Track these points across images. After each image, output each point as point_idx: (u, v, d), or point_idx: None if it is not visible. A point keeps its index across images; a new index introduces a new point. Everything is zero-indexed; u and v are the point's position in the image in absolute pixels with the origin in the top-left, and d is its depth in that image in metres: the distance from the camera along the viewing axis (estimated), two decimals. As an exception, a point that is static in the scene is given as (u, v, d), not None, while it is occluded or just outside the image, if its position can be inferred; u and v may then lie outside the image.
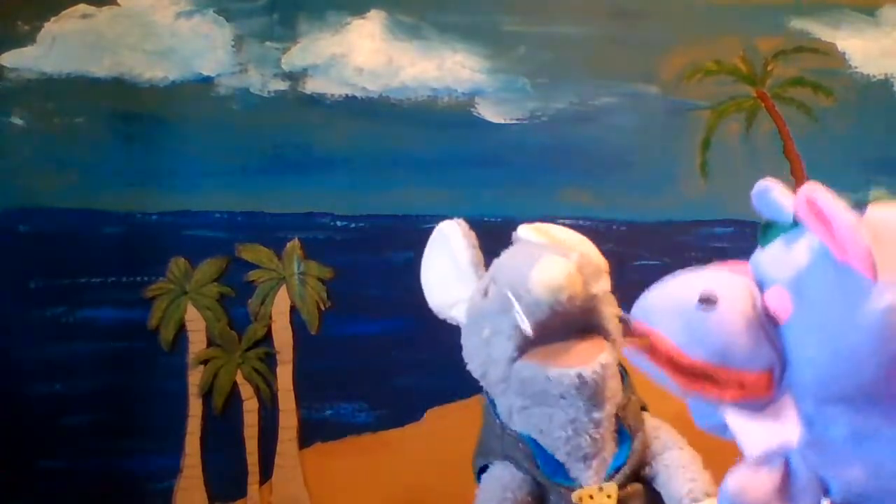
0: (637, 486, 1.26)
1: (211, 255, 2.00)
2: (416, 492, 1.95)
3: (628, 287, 1.86)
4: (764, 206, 0.88)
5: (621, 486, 1.24)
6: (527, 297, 1.18)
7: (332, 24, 2.03)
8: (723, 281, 0.89)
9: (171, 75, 2.02)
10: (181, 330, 1.99)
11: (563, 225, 1.95)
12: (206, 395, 1.99)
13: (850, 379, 0.82)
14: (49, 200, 1.99)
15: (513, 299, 1.20)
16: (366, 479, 1.98)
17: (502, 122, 2.02)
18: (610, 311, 1.25)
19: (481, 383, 1.33)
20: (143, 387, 1.99)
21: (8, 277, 1.98)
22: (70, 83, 2.00)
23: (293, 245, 2.00)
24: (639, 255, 1.96)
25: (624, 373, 1.29)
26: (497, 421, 1.30)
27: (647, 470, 1.29)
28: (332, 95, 2.03)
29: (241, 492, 1.99)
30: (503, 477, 1.28)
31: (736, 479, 0.90)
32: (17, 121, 2.00)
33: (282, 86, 2.03)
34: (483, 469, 1.32)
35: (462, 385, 1.96)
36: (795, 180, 2.00)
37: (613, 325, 1.24)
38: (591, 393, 1.22)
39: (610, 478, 1.24)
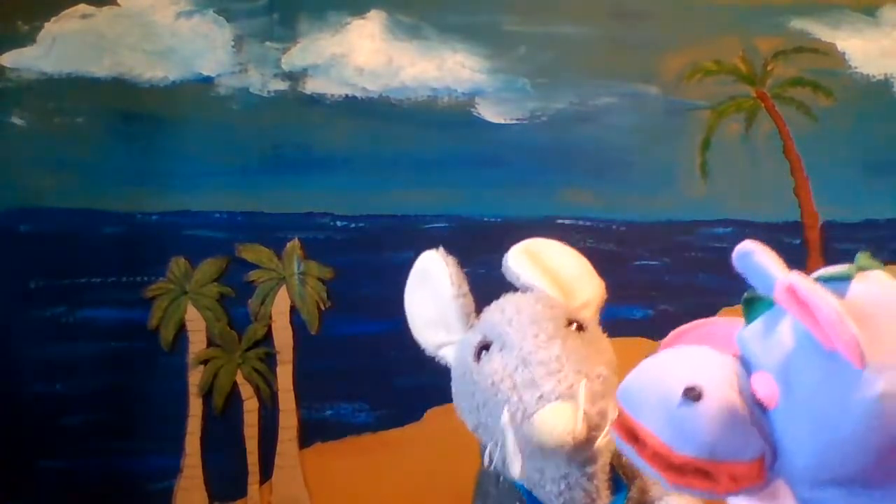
0: None
1: (211, 255, 2.00)
2: (416, 492, 1.95)
3: (628, 287, 1.87)
4: (745, 269, 0.85)
5: None
6: (527, 434, 1.14)
7: (332, 24, 2.03)
8: (707, 369, 0.86)
9: (171, 75, 2.02)
10: (181, 330, 1.99)
11: (563, 225, 1.97)
12: (206, 395, 1.99)
13: (842, 466, 0.81)
14: (49, 200, 2.00)
15: (507, 433, 1.15)
16: (366, 479, 1.98)
17: (502, 122, 2.02)
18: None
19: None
20: (143, 387, 1.99)
21: (8, 277, 1.98)
22: (70, 83, 2.00)
23: (293, 245, 2.01)
24: (639, 255, 1.96)
25: None
26: (493, 469, 1.26)
27: None
28: (332, 95, 2.03)
29: (241, 492, 1.99)
30: (490, 477, 1.27)
31: None
32: (17, 121, 2.00)
33: (282, 86, 2.03)
34: None
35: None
36: (795, 180, 2.00)
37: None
38: (583, 448, 1.18)
39: None
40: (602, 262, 1.30)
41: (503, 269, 1.30)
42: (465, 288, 1.29)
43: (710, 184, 1.99)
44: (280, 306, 2.00)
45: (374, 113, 2.02)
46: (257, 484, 1.99)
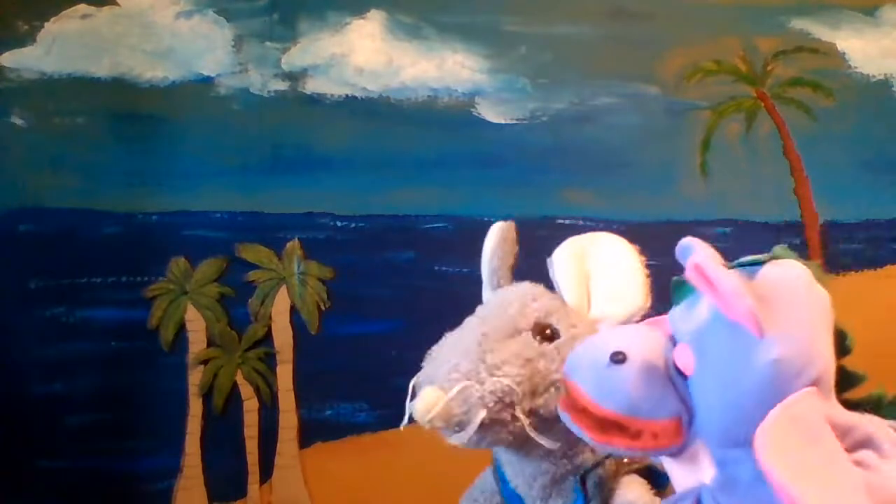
0: None
1: (211, 255, 2.00)
2: (416, 492, 1.95)
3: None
4: (683, 262, 0.93)
5: None
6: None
7: (332, 24, 2.03)
8: (635, 338, 0.98)
9: (171, 75, 2.02)
10: (181, 330, 1.99)
11: (563, 225, 1.97)
12: (206, 395, 1.99)
13: (745, 426, 0.88)
14: (49, 200, 2.00)
15: (410, 390, 1.25)
16: (366, 479, 1.98)
17: (502, 122, 2.02)
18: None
19: None
20: (143, 387, 1.99)
21: (8, 277, 1.98)
22: (70, 83, 2.00)
23: (293, 245, 2.01)
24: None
25: None
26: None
27: None
28: (332, 95, 2.03)
29: (241, 492, 1.99)
30: (484, 483, 1.32)
31: None
32: (17, 121, 2.00)
33: (282, 86, 2.03)
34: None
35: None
36: (795, 180, 2.00)
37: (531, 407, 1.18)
38: (511, 448, 1.21)
39: None
40: (602, 262, 1.30)
41: (548, 263, 1.31)
42: (497, 262, 1.29)
43: (710, 184, 1.99)
44: (280, 306, 2.00)
45: (374, 113, 2.02)
46: (257, 484, 1.99)
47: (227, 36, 2.03)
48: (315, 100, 2.03)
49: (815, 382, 0.88)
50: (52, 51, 2.00)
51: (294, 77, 2.03)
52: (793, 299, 0.91)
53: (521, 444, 1.19)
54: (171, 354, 1.99)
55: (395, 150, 2.00)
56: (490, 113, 2.02)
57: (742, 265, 0.95)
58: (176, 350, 1.99)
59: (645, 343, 0.97)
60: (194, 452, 1.98)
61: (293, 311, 2.01)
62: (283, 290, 2.00)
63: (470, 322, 1.25)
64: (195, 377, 1.99)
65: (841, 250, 2.00)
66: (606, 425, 0.94)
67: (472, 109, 2.02)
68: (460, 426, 1.17)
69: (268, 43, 2.03)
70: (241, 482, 1.99)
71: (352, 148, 2.01)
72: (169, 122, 2.01)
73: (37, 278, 1.99)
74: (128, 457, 1.98)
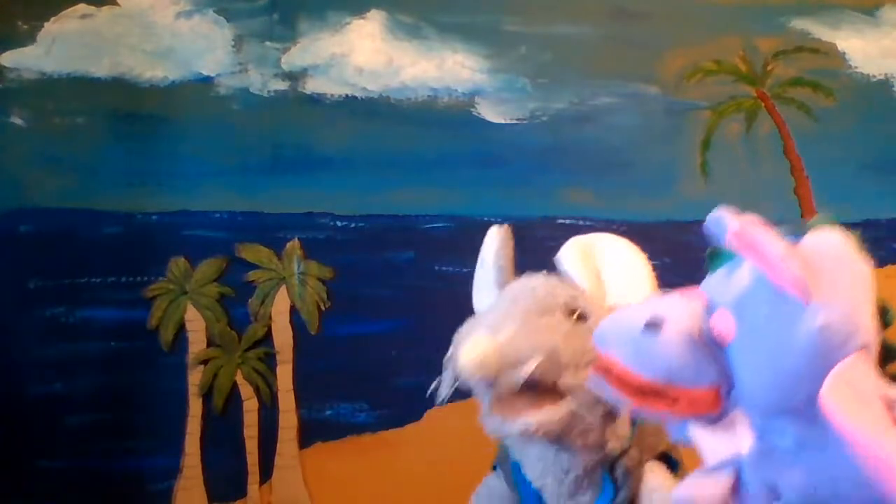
0: None
1: (211, 255, 2.00)
2: (416, 492, 1.95)
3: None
4: (716, 234, 0.92)
5: None
6: (454, 364, 1.18)
7: (332, 24, 2.03)
8: (670, 306, 0.95)
9: (171, 75, 2.02)
10: (181, 330, 1.99)
11: (564, 225, 1.97)
12: (206, 395, 1.99)
13: (790, 394, 0.87)
14: (49, 200, 2.00)
15: (447, 367, 1.20)
16: (366, 479, 1.98)
17: (502, 122, 2.02)
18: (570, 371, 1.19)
19: None
20: (143, 387, 1.99)
21: (8, 277, 1.98)
22: (70, 83, 2.00)
23: (293, 245, 2.01)
24: (639, 255, 1.96)
25: (634, 425, 1.25)
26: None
27: None
28: (332, 95, 2.03)
29: (241, 492, 1.99)
30: (493, 485, 1.31)
31: (683, 487, 0.96)
32: (17, 121, 2.00)
33: (282, 86, 2.03)
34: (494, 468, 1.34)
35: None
36: (795, 180, 2.00)
37: (576, 383, 1.18)
38: (555, 438, 1.19)
39: None
40: (602, 262, 1.30)
41: (556, 259, 1.32)
42: (503, 261, 1.30)
43: (710, 184, 1.99)
44: (280, 306, 2.00)
45: (374, 113, 2.02)
46: (257, 484, 1.99)
47: (227, 36, 2.03)
48: (315, 100, 2.03)
49: (861, 350, 0.86)
50: (52, 51, 2.00)
51: (294, 77, 2.03)
52: (838, 266, 0.89)
53: (566, 430, 1.19)
54: (171, 354, 1.99)
55: (395, 150, 2.00)
56: (490, 113, 2.02)
57: (783, 233, 0.91)
58: (176, 350, 1.99)
59: (681, 309, 0.94)
60: (194, 452, 1.98)
61: (293, 311, 2.01)
62: (283, 290, 2.00)
63: (498, 304, 1.23)
64: (195, 377, 1.99)
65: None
66: (643, 391, 0.92)
67: (472, 109, 2.02)
68: (507, 378, 1.14)
69: (268, 43, 2.03)
70: (241, 482, 1.99)
71: (352, 148, 2.01)
72: (169, 122, 2.01)
73: (37, 278, 1.99)
74: (128, 457, 1.98)
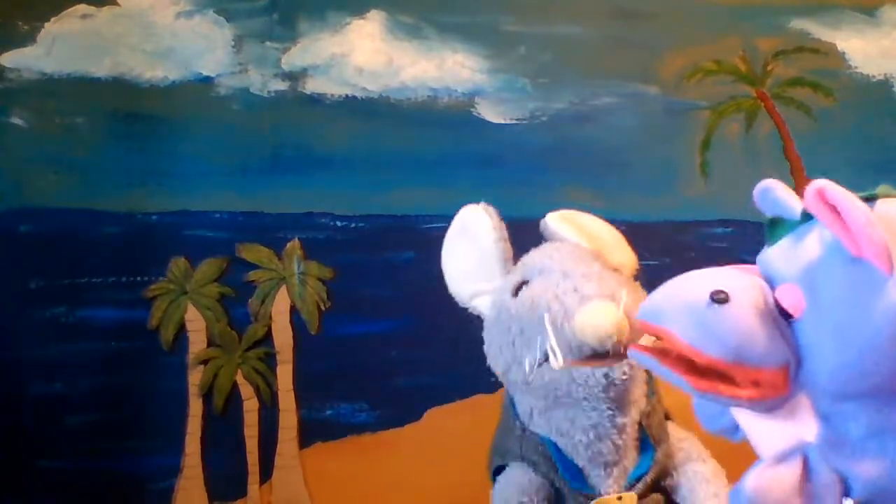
0: (657, 497, 1.23)
1: (211, 255, 2.00)
2: (416, 492, 1.95)
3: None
4: (768, 205, 0.87)
5: (641, 496, 1.21)
6: (568, 335, 1.13)
7: (332, 24, 2.03)
8: (732, 278, 0.87)
9: (171, 75, 2.02)
10: (181, 330, 1.99)
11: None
12: (206, 395, 1.99)
13: (868, 375, 0.80)
14: (49, 200, 1.99)
15: (549, 330, 1.15)
16: (366, 479, 1.98)
17: (502, 122, 2.02)
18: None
19: (501, 380, 1.29)
20: (143, 387, 1.99)
21: (8, 277, 1.98)
22: (70, 83, 2.00)
23: (293, 245, 2.00)
24: (639, 255, 1.96)
25: (649, 382, 1.26)
26: (517, 421, 1.27)
27: (669, 481, 1.25)
28: (332, 95, 2.03)
29: (241, 492, 1.99)
30: (521, 480, 1.25)
31: (754, 477, 0.87)
32: (17, 121, 2.00)
33: (282, 86, 2.03)
34: (499, 470, 1.29)
35: (462, 385, 1.97)
36: (795, 180, 2.00)
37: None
38: (616, 396, 1.19)
39: (630, 487, 1.21)
40: (602, 262, 1.30)
41: (542, 229, 1.31)
42: (505, 234, 1.30)
43: (710, 184, 1.99)
44: (280, 306, 2.00)
45: (374, 113, 2.02)
46: (257, 484, 1.99)
47: (227, 36, 2.03)
48: (315, 100, 2.02)
49: None
50: (52, 51, 2.00)
51: (294, 77, 2.03)
52: None
53: (630, 387, 1.20)
54: (171, 354, 1.99)
55: (395, 150, 2.00)
56: (490, 113, 2.02)
57: None
58: (176, 350, 1.99)
59: (745, 281, 0.86)
60: (194, 452, 1.98)
61: (293, 311, 2.00)
62: (283, 290, 2.00)
63: (560, 270, 1.21)
64: (195, 377, 1.99)
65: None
66: (707, 371, 0.84)
67: (472, 109, 2.02)
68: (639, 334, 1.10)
69: (268, 43, 2.03)
70: (241, 482, 1.99)
71: (352, 148, 2.01)
72: (169, 122, 2.01)
73: (37, 278, 1.99)
74: (128, 457, 1.98)
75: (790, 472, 0.86)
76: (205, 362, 1.99)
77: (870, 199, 0.85)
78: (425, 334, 1.96)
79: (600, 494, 1.21)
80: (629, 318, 1.11)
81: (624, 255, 1.29)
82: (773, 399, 0.85)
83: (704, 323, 0.83)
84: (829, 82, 2.01)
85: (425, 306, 1.96)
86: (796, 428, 0.86)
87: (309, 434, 2.00)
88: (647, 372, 1.23)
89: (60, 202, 1.99)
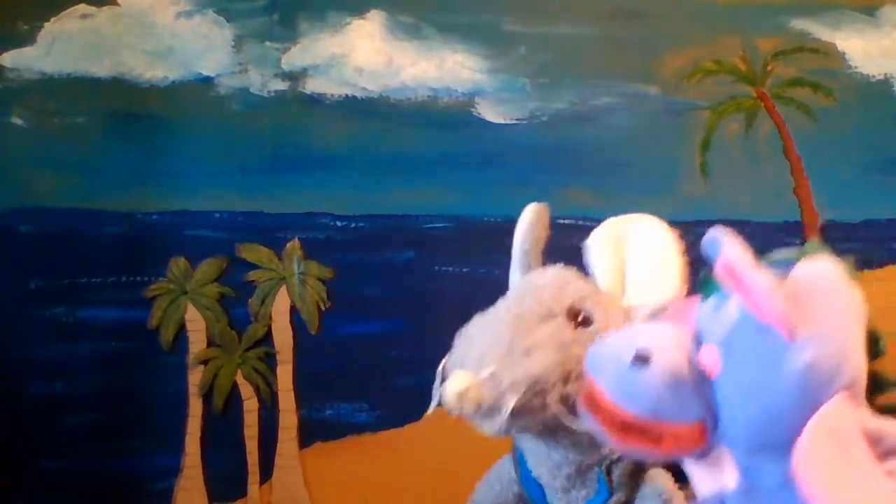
0: None
1: (211, 255, 2.00)
2: (416, 492, 1.95)
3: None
4: (712, 255, 0.90)
5: None
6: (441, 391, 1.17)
7: (332, 24, 2.03)
8: (659, 338, 0.93)
9: (171, 75, 2.02)
10: (181, 330, 1.99)
11: (563, 225, 1.96)
12: (206, 395, 1.99)
13: (775, 432, 0.85)
14: (49, 200, 2.00)
15: (438, 377, 1.20)
16: (366, 479, 1.98)
17: (502, 122, 2.02)
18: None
19: None
20: (143, 387, 1.99)
21: (8, 277, 1.98)
22: (70, 83, 2.00)
23: (293, 245, 2.01)
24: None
25: None
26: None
27: None
28: (332, 95, 2.03)
29: (241, 492, 1.99)
30: (501, 472, 1.31)
31: None
32: (17, 121, 2.00)
33: (282, 86, 2.03)
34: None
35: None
36: (795, 180, 2.00)
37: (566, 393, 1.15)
38: (539, 437, 1.20)
39: None
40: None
41: (583, 248, 1.29)
42: (529, 244, 1.29)
43: (710, 184, 1.99)
44: (280, 306, 2.00)
45: (374, 113, 2.02)
46: (257, 484, 1.99)
47: (227, 36, 2.03)
48: (315, 100, 2.03)
49: (848, 387, 0.85)
50: (52, 51, 2.00)
51: (294, 77, 2.03)
52: (826, 300, 0.87)
53: (551, 432, 1.18)
54: (171, 354, 1.99)
55: (395, 150, 2.00)
56: (490, 113, 2.02)
57: (774, 262, 0.92)
58: (176, 350, 1.99)
59: (670, 343, 0.93)
60: (194, 452, 1.98)
61: (293, 311, 2.01)
62: (283, 290, 2.00)
63: (502, 304, 1.22)
64: (195, 377, 1.99)
65: (841, 250, 1.99)
66: (627, 427, 0.91)
67: (472, 109, 2.02)
68: (490, 413, 1.13)
69: (268, 43, 2.03)
70: (241, 482, 1.99)
71: (352, 148, 2.01)
72: (169, 122, 2.01)
73: (37, 278, 1.99)
74: (128, 457, 1.98)
75: None
76: (205, 362, 1.99)
77: (791, 262, 0.90)
78: (425, 334, 1.96)
79: None
80: (483, 397, 1.12)
81: (651, 293, 1.22)
82: (691, 452, 0.92)
83: (627, 382, 0.91)
84: (829, 82, 2.01)
85: (425, 306, 1.97)
86: (719, 475, 0.93)
87: (309, 434, 2.00)
88: None
89: (60, 202, 1.99)
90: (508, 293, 1.25)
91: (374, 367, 1.98)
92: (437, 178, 1.99)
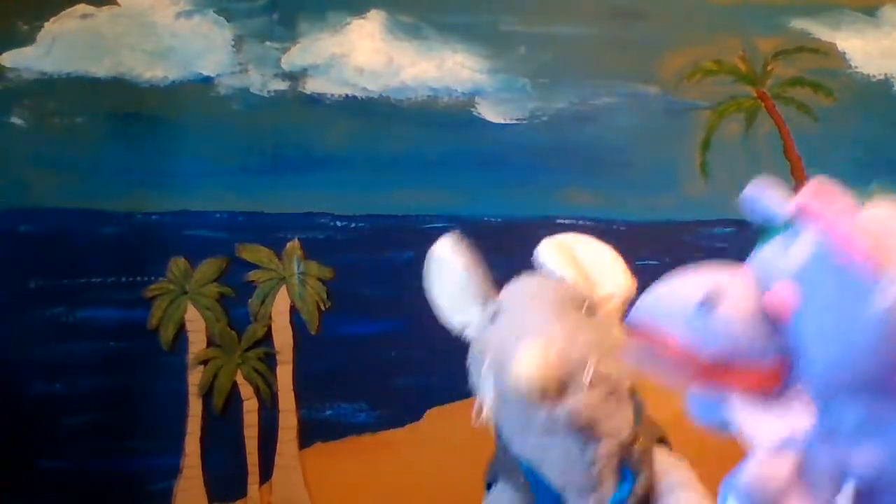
0: None
1: (211, 255, 2.00)
2: (416, 492, 1.95)
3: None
4: (756, 210, 0.89)
5: None
6: (506, 382, 1.16)
7: (332, 24, 2.03)
8: (724, 278, 0.91)
9: (171, 75, 2.02)
10: (181, 330, 1.99)
11: (563, 225, 1.97)
12: (206, 395, 1.99)
13: (859, 371, 0.83)
14: (49, 200, 2.00)
15: (485, 377, 1.20)
16: (366, 479, 1.98)
17: (502, 122, 2.02)
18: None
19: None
20: (143, 387, 1.99)
21: (8, 277, 1.98)
22: (70, 83, 2.00)
23: (293, 245, 2.01)
24: (639, 255, 1.95)
25: (637, 410, 1.26)
26: (500, 442, 1.29)
27: None
28: (332, 95, 2.03)
29: (241, 492, 1.99)
30: (502, 500, 1.28)
31: (752, 468, 0.90)
32: (17, 121, 2.00)
33: (282, 86, 2.03)
34: (490, 486, 1.32)
35: (462, 385, 1.96)
36: (795, 180, 2.00)
37: (613, 370, 1.20)
38: (585, 428, 1.19)
39: None
40: (602, 262, 1.30)
41: (533, 260, 1.32)
42: (468, 264, 1.32)
43: (711, 184, 1.99)
44: (280, 306, 2.00)
45: (374, 113, 2.02)
46: (257, 484, 1.99)
47: (227, 36, 2.03)
48: (315, 100, 2.03)
49: None
50: (52, 51, 2.00)
51: (294, 77, 2.03)
52: None
53: (597, 416, 1.19)
54: (171, 354, 1.99)
55: (395, 150, 2.00)
56: (490, 113, 2.02)
57: None
58: (176, 350, 1.99)
59: (737, 281, 0.90)
60: (194, 452, 1.98)
61: (293, 311, 2.01)
62: (283, 290, 2.00)
63: (513, 310, 1.23)
64: (195, 377, 1.99)
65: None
66: (704, 369, 0.88)
67: (472, 109, 2.02)
68: (568, 383, 1.14)
69: (268, 43, 2.03)
70: (241, 482, 1.99)
71: (352, 148, 2.01)
72: (169, 122, 2.01)
73: (37, 278, 1.99)
74: (128, 457, 1.98)
75: (787, 463, 0.89)
76: (205, 362, 1.99)
77: (863, 199, 0.88)
78: (425, 334, 1.95)
79: None
80: (563, 362, 1.14)
81: (615, 283, 1.28)
82: (770, 391, 0.88)
83: (698, 325, 0.88)
84: (829, 82, 2.01)
85: (425, 306, 1.95)
86: (792, 420, 0.89)
87: (309, 434, 2.00)
88: (634, 399, 1.25)
89: (60, 202, 1.99)
90: (507, 305, 1.25)
91: (374, 367, 1.98)
92: (437, 178, 1.99)
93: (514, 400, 1.18)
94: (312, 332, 2.00)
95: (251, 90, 2.02)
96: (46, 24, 2.00)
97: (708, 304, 0.88)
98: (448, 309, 1.34)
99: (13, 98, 2.00)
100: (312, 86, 2.02)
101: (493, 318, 1.26)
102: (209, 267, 2.00)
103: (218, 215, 2.01)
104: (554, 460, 1.23)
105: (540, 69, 2.02)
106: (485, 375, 1.21)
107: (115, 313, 1.99)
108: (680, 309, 0.89)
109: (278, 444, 1.99)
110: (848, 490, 0.87)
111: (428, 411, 1.98)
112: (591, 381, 1.17)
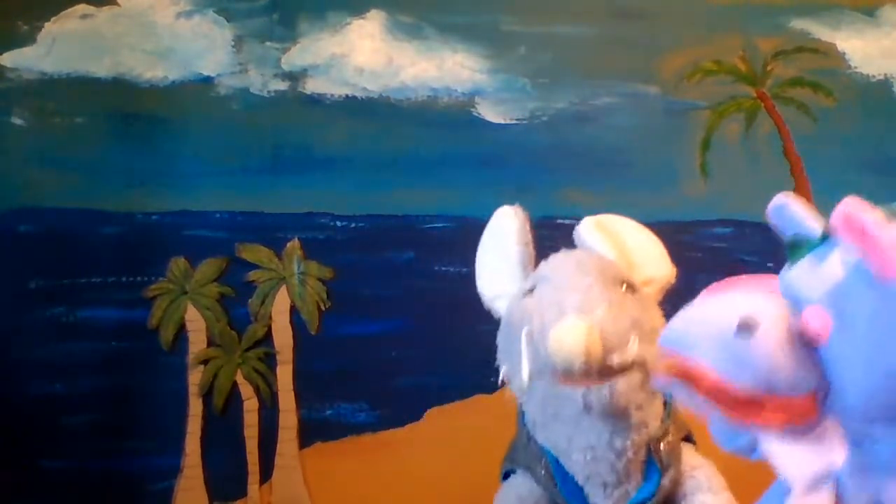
0: None
1: (211, 255, 2.00)
2: (416, 492, 1.95)
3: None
4: (783, 222, 0.87)
5: None
6: (543, 353, 1.13)
7: (332, 24, 2.03)
8: (759, 304, 0.86)
9: (171, 75, 2.02)
10: (181, 330, 1.99)
11: (563, 225, 1.96)
12: (206, 395, 1.99)
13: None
14: (49, 200, 1.99)
15: (524, 346, 1.15)
16: (366, 479, 1.98)
17: (502, 122, 2.02)
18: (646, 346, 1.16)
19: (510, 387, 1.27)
20: (143, 387, 1.99)
21: (8, 277, 1.98)
22: (70, 83, 2.00)
23: (293, 245, 2.00)
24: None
25: (668, 404, 1.23)
26: (524, 429, 1.26)
27: None
28: (332, 95, 2.03)
29: (241, 492, 1.99)
30: (520, 490, 1.25)
31: None
32: (17, 121, 2.00)
33: (282, 86, 2.03)
34: (507, 475, 1.29)
35: (462, 385, 1.97)
36: (795, 180, 2.00)
37: (649, 356, 1.14)
38: (615, 418, 1.16)
39: None
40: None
41: (574, 237, 1.29)
42: (528, 239, 1.29)
43: (710, 184, 1.99)
44: (280, 306, 2.00)
45: (374, 113, 2.02)
46: (257, 484, 1.99)
47: (227, 36, 2.03)
48: (315, 100, 2.03)
49: None
50: (52, 51, 2.00)
51: (294, 77, 2.03)
52: None
53: (628, 404, 1.16)
54: (171, 354, 1.99)
55: (395, 150, 2.00)
56: (490, 113, 2.02)
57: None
58: (176, 350, 1.99)
59: (773, 306, 0.85)
60: (194, 452, 1.98)
61: (293, 311, 2.00)
62: (283, 290, 2.00)
63: (556, 282, 1.20)
64: (195, 377, 1.99)
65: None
66: (738, 402, 0.83)
67: (472, 109, 2.02)
68: (615, 355, 1.11)
69: (268, 43, 2.03)
70: (241, 482, 1.99)
71: (352, 148, 2.01)
72: (169, 122, 2.01)
73: (37, 278, 1.99)
74: (128, 457, 1.98)
75: (822, 499, 0.85)
76: (205, 362, 1.99)
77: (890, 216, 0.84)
78: (425, 334, 1.96)
79: None
80: (607, 339, 1.11)
81: (656, 267, 1.27)
82: (803, 424, 0.85)
83: (734, 354, 0.84)
84: (829, 82, 2.00)
85: (425, 306, 1.97)
86: (826, 453, 0.85)
87: (309, 434, 2.00)
88: (666, 396, 1.21)
89: (60, 202, 1.99)
90: (549, 275, 1.22)
91: (374, 367, 1.98)
92: (437, 179, 1.99)
93: (549, 375, 1.14)
94: (312, 332, 2.00)
95: (251, 90, 2.02)
96: (46, 24, 2.00)
97: (745, 331, 0.84)
98: (489, 274, 1.30)
99: (13, 98, 2.00)
100: (312, 86, 2.02)
101: (532, 290, 1.22)
102: (209, 267, 2.00)
103: (218, 215, 2.01)
104: (580, 449, 1.20)
105: (540, 69, 2.02)
106: (521, 348, 1.16)
107: (115, 313, 1.99)
108: (714, 337, 0.85)
109: (278, 444, 1.99)
110: None
111: (428, 411, 1.98)
112: (631, 364, 1.14)
